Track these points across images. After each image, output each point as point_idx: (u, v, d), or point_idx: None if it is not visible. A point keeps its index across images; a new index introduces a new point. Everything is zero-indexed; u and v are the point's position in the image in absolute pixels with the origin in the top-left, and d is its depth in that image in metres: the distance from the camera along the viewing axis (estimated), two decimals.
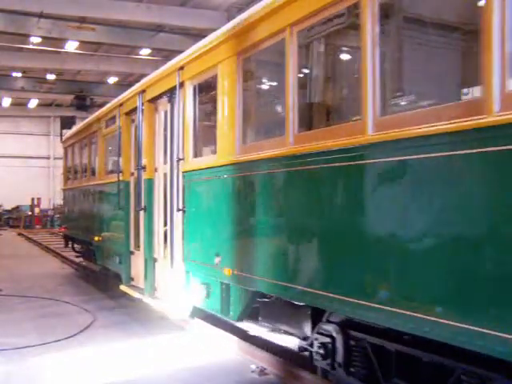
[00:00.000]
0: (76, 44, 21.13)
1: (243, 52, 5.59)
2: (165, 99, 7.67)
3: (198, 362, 6.19)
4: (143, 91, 8.17)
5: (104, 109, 10.64)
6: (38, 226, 35.01)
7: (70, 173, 14.48)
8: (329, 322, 5.00)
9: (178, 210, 6.88)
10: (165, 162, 7.82)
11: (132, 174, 9.00)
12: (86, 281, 12.35)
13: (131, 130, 9.11)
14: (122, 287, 9.00)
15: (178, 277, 7.16)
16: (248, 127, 5.85)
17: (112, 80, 29.45)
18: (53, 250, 19.20)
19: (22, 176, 39.45)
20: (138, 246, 8.77)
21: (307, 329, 5.30)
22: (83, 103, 26.82)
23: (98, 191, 10.88)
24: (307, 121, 5.14)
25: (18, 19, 18.71)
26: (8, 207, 38.53)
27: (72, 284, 12.10)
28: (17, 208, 37.95)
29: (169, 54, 21.39)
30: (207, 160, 6.35)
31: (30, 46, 22.75)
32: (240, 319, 5.98)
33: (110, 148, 10.42)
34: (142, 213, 8.36)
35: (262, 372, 5.77)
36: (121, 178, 9.11)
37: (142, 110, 8.20)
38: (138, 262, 8.67)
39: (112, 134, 9.99)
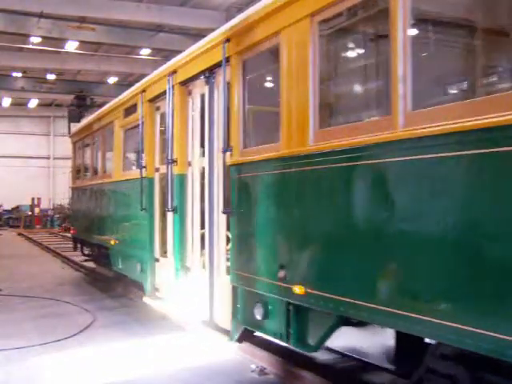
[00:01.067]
0: (76, 44, 20.40)
1: (320, 12, 4.02)
2: (202, 80, 6.01)
3: (198, 362, 5.81)
4: (174, 72, 6.49)
5: (121, 97, 8.85)
6: (38, 226, 33.50)
7: (79, 170, 12.53)
8: (443, 356, 3.55)
9: (225, 211, 5.31)
10: (202, 155, 6.21)
11: (157, 169, 7.37)
12: (86, 281, 11.67)
13: (156, 119, 7.45)
14: (146, 299, 7.39)
15: (220, 291, 5.61)
16: (327, 108, 4.30)
17: (112, 80, 28.20)
18: (53, 250, 18.15)
19: (21, 176, 37.90)
20: (164, 253, 7.15)
21: (390, 356, 4.04)
22: (83, 103, 25.93)
23: (114, 190, 9.09)
24: (423, 96, 3.62)
25: (17, 19, 18.01)
26: (8, 207, 36.97)
27: (72, 284, 11.36)
28: (17, 208, 36.44)
29: (169, 54, 20.33)
30: (266, 150, 4.73)
31: (30, 46, 21.75)
32: (315, 349, 4.45)
33: (129, 141, 8.70)
34: (170, 214, 6.70)
35: (262, 372, 5.39)
36: (144, 175, 7.38)
37: (172, 94, 6.55)
38: (164, 271, 7.04)
39: (132, 124, 8.25)
